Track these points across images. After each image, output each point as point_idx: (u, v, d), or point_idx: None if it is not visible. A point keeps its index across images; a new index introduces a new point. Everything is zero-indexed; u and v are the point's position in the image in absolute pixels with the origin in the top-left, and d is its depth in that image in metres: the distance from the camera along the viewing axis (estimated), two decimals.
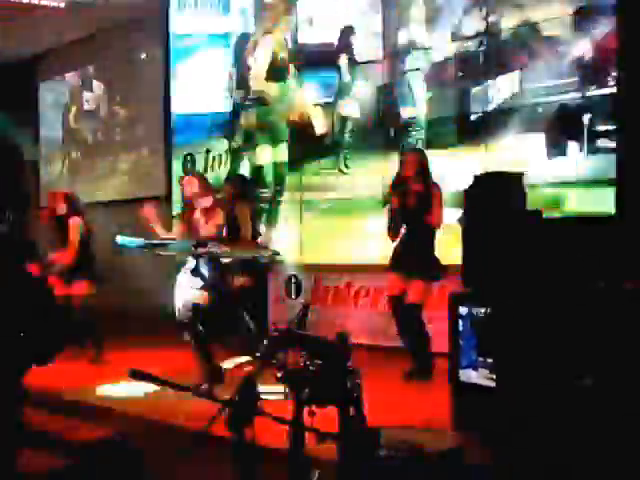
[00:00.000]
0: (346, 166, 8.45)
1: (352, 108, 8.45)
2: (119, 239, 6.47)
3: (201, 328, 6.03)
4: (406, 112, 7.84)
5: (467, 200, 4.83)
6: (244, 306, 6.79)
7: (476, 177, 4.86)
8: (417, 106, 7.75)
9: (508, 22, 7.04)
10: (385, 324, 7.13)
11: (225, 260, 6.30)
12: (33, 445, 4.85)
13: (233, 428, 2.86)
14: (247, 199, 7.38)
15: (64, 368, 6.88)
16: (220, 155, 9.88)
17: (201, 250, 5.97)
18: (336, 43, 8.61)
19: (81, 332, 7.34)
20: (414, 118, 7.73)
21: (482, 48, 7.22)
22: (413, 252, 6.29)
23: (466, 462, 3.26)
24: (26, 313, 3.83)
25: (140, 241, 6.36)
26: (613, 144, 6.19)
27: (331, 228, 8.55)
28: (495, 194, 4.61)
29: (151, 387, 5.96)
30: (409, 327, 6.28)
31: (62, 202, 7.50)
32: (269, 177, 9.33)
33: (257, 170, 9.42)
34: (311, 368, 3.21)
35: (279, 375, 3.23)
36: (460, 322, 4.67)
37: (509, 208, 4.54)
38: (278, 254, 7.21)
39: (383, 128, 8.09)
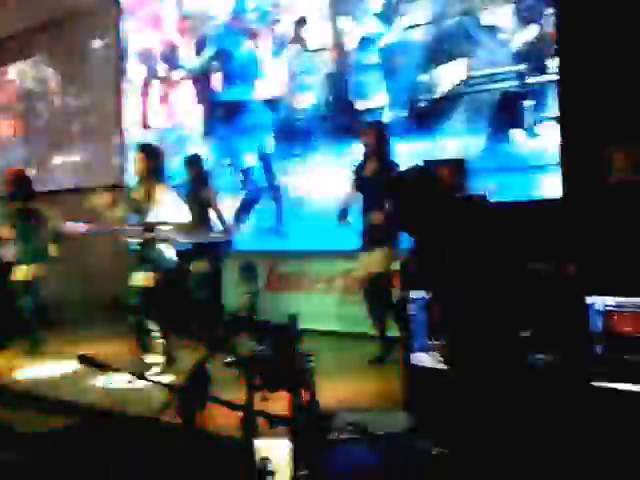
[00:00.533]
0: (301, 155, 8.44)
1: (304, 98, 8.43)
2: (68, 225, 6.39)
3: (142, 313, 5.99)
4: (360, 102, 7.85)
5: (403, 187, 4.79)
6: (201, 292, 6.76)
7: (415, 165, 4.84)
8: (370, 96, 7.76)
9: (452, 11, 7.08)
10: (341, 309, 7.16)
11: (180, 243, 6.23)
12: None
13: (183, 414, 2.85)
14: (208, 182, 7.28)
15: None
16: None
17: (148, 234, 5.90)
18: (290, 34, 8.57)
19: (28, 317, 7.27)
20: (370, 108, 7.74)
21: (429, 37, 7.27)
22: (376, 225, 6.26)
23: (416, 443, 3.29)
24: None
25: (88, 226, 6.29)
26: (555, 130, 6.29)
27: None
28: (435, 180, 4.61)
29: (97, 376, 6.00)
30: (381, 301, 6.29)
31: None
32: None
33: None
34: (261, 352, 3.21)
35: (229, 360, 3.22)
36: (411, 306, 4.70)
37: (451, 193, 4.57)
38: (230, 242, 7.17)
39: (336, 118, 8.07)
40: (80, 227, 6.37)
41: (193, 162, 7.28)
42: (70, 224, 6.48)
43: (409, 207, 4.22)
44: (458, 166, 4.74)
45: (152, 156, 6.21)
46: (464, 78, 6.96)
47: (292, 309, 7.33)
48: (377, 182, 6.16)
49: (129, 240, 6.31)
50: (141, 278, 6.06)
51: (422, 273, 4.63)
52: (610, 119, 5.37)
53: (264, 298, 7.44)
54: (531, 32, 6.56)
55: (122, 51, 10.58)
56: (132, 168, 6.40)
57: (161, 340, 6.07)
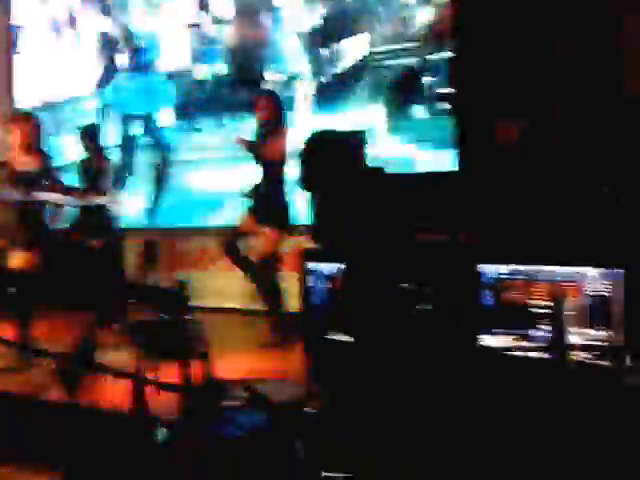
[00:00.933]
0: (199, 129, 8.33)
1: (206, 70, 8.30)
2: None
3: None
4: (269, 74, 7.78)
5: (307, 157, 4.77)
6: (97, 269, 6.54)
7: (314, 135, 4.80)
8: (279, 68, 7.70)
9: None
10: (241, 287, 7.09)
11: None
12: None
13: (65, 382, 2.76)
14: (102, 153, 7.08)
15: None
16: None
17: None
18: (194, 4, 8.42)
19: None
20: (277, 80, 7.68)
21: (332, 10, 7.26)
22: (262, 197, 6.15)
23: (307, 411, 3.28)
24: None
25: None
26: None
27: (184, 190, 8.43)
28: (335, 151, 4.60)
29: None
30: (262, 283, 6.14)
31: None
32: None
33: None
34: (150, 319, 3.14)
35: (118, 327, 3.14)
36: (311, 278, 4.67)
37: (350, 165, 4.56)
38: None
39: (240, 91, 7.99)
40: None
41: (88, 133, 7.11)
42: None
43: (312, 171, 4.22)
44: (357, 138, 4.71)
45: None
46: (366, 53, 6.97)
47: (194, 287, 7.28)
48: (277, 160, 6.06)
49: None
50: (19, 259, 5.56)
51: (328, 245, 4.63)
52: (499, 95, 5.51)
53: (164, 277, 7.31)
54: (431, 10, 6.65)
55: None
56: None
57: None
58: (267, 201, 6.10)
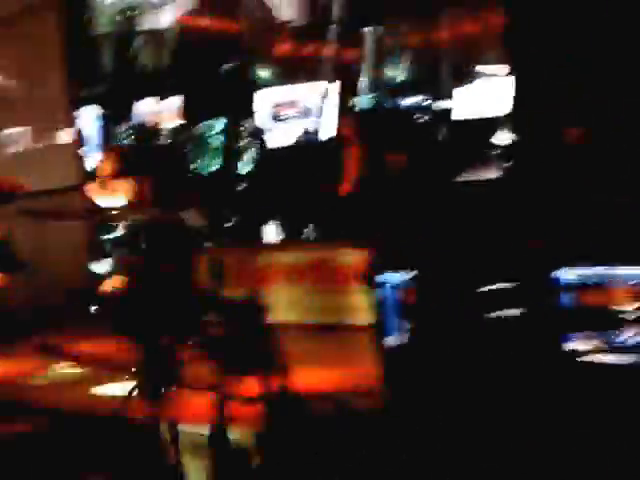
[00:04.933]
0: None
1: None
2: None
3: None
4: None
5: None
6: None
7: None
8: None
9: None
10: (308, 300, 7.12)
11: None
12: None
13: (151, 397, 2.80)
14: None
15: None
16: None
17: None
18: None
19: None
20: None
21: None
22: None
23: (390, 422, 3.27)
24: None
25: None
26: None
27: None
28: None
29: None
30: None
31: None
32: None
33: None
34: (228, 333, 3.17)
35: (197, 341, 3.18)
36: (380, 289, 4.68)
37: None
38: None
39: None
40: None
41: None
42: None
43: None
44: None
45: None
46: None
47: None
48: None
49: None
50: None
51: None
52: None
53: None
54: None
55: None
56: None
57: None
58: None
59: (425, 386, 3.99)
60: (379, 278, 4.62)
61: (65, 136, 10.34)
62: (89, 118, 10.13)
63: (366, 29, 7.83)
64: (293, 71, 8.45)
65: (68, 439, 4.52)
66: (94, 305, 5.67)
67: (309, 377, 4.85)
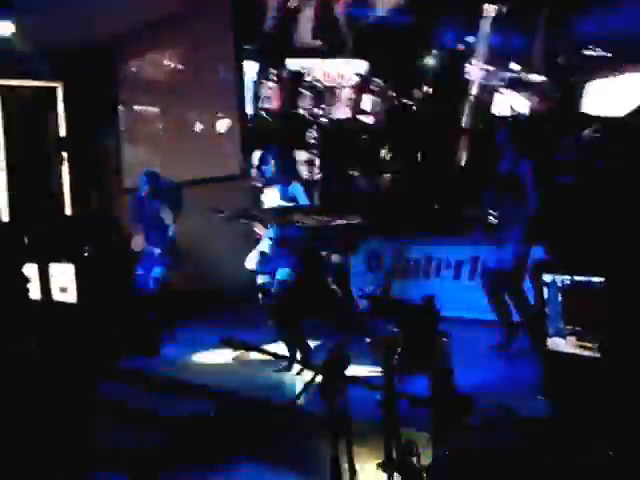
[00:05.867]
0: None
1: None
2: None
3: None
4: None
5: None
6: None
7: None
8: None
9: None
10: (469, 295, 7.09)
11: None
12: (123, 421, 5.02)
13: (324, 396, 2.89)
14: None
15: None
16: None
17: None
18: None
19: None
20: None
21: None
22: None
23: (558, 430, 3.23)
24: None
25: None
26: None
27: None
28: None
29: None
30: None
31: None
32: None
33: None
34: (400, 334, 3.22)
35: (369, 341, 3.25)
36: (545, 290, 4.60)
37: None
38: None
39: None
40: None
41: None
42: None
43: None
44: None
45: None
46: None
47: (418, 294, 7.36)
48: None
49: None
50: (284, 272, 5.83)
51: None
52: None
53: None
54: None
55: None
56: None
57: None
58: None
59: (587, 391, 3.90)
60: (547, 278, 4.54)
61: (230, 125, 10.71)
62: None
63: None
64: None
65: (237, 424, 4.75)
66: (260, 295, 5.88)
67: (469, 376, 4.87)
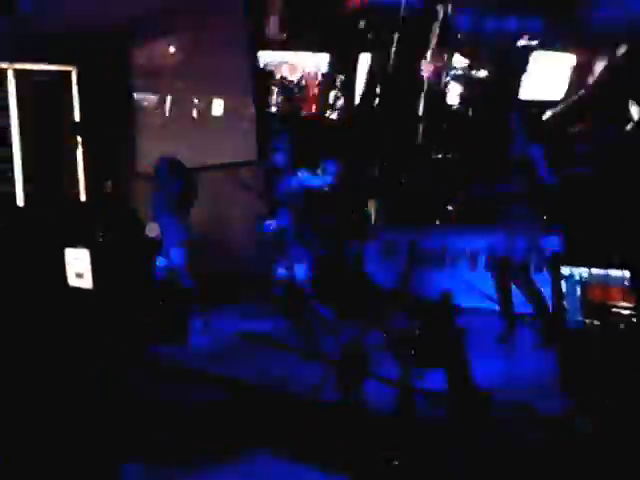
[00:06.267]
0: None
1: None
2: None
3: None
4: None
5: None
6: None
7: None
8: None
9: None
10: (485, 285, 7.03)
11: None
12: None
13: (340, 388, 2.88)
14: None
15: None
16: None
17: None
18: None
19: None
20: None
21: None
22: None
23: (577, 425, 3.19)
24: None
25: None
26: None
27: None
28: None
29: None
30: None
31: None
32: None
33: None
34: (416, 329, 3.19)
35: (385, 336, 3.22)
36: (563, 283, 4.55)
37: None
38: None
39: None
40: None
41: None
42: None
43: None
44: None
45: None
46: None
47: (435, 285, 7.31)
48: None
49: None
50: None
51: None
52: None
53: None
54: None
55: None
56: None
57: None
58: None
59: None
60: (566, 270, 4.49)
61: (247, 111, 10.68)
62: None
63: None
64: None
65: (252, 412, 4.73)
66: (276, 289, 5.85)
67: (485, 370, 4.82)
